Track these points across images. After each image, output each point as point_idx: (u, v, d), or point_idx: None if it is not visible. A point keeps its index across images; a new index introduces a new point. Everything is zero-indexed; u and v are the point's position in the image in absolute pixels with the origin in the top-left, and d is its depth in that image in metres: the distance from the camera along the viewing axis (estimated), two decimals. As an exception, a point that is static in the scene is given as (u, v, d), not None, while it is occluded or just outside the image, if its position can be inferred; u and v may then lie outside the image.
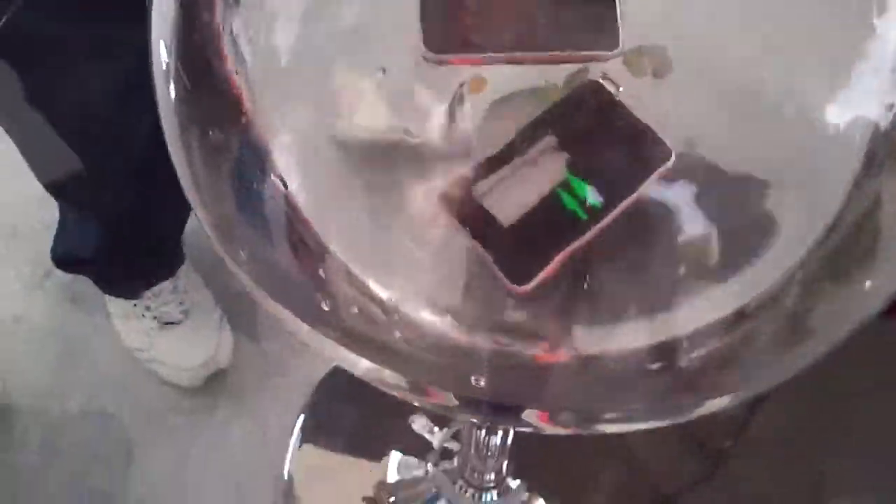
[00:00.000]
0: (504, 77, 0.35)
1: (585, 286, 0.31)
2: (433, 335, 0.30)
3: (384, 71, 0.33)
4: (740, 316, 0.30)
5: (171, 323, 0.78)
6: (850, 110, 0.29)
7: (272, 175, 0.31)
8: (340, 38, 0.33)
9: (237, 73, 0.33)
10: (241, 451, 0.78)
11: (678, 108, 0.33)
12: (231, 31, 0.34)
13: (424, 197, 0.31)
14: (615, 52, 0.33)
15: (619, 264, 0.31)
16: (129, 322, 0.79)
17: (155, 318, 0.78)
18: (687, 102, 0.33)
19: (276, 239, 0.32)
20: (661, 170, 0.31)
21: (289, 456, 0.83)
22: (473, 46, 0.33)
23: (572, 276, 0.31)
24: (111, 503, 0.75)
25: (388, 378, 0.30)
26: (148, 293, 0.78)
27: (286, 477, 0.83)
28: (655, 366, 0.30)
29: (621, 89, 0.32)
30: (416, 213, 0.31)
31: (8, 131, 0.70)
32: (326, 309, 0.30)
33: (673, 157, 0.31)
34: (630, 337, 0.30)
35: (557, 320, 0.31)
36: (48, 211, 0.78)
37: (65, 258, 0.76)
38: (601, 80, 0.32)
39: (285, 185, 0.31)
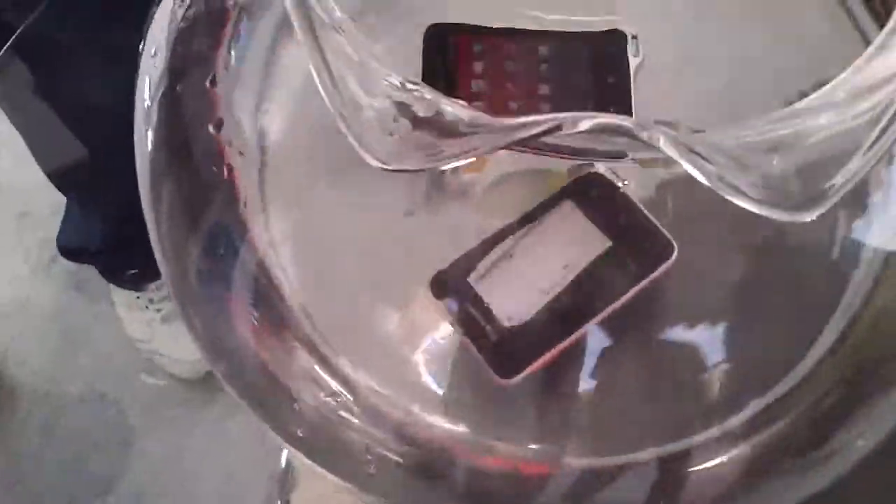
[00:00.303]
0: (506, 156, 0.34)
1: (579, 390, 0.30)
2: (408, 430, 0.29)
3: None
4: (751, 429, 0.29)
5: (173, 316, 0.79)
6: (866, 237, 0.28)
7: (249, 247, 0.31)
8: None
9: (230, 145, 0.32)
10: (237, 443, 0.80)
11: (685, 208, 0.32)
12: (228, 98, 0.34)
13: (414, 282, 0.31)
14: (623, 161, 0.32)
15: (619, 371, 0.31)
16: (131, 313, 0.80)
17: (157, 310, 0.79)
18: (694, 201, 0.32)
19: (236, 310, 0.31)
20: (663, 268, 0.30)
21: (286, 450, 0.84)
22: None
23: (564, 376, 0.31)
24: (110, 488, 0.77)
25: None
26: (151, 286, 0.78)
27: (283, 466, 0.84)
28: (656, 486, 0.29)
29: (626, 182, 0.32)
30: (404, 300, 0.31)
31: (13, 120, 0.70)
32: (291, 401, 0.30)
33: (675, 255, 0.30)
34: (629, 450, 0.29)
35: (546, 423, 0.30)
36: (57, 196, 0.79)
37: (69, 249, 0.77)
38: (604, 172, 0.32)
39: (261, 258, 0.30)
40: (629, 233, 0.31)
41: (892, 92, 0.18)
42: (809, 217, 0.19)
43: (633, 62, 0.31)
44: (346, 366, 0.29)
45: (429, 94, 0.20)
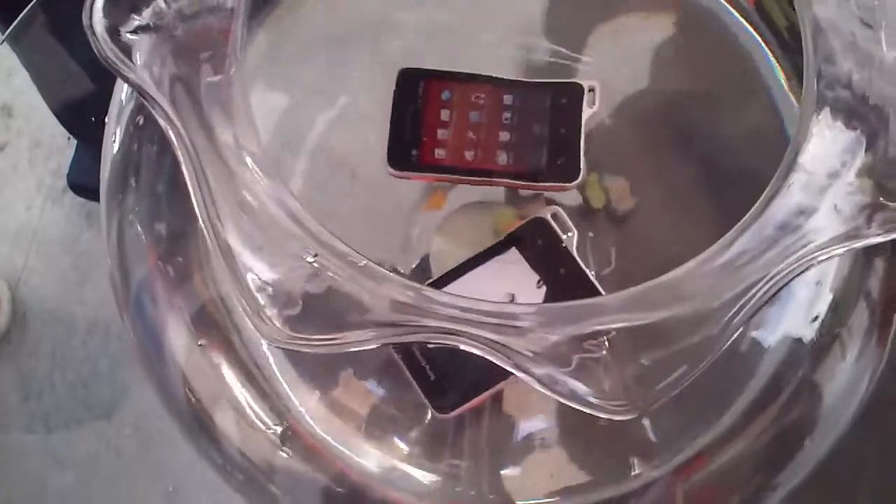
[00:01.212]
0: (462, 188, 0.35)
1: (518, 429, 0.32)
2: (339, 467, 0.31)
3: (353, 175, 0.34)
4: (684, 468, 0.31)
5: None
6: (776, 323, 0.29)
7: (199, 280, 0.32)
8: (312, 159, 0.33)
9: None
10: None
11: (625, 263, 0.33)
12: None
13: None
14: (574, 183, 0.33)
15: (550, 412, 0.32)
16: (136, 251, 0.83)
17: (162, 250, 0.81)
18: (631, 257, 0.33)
19: (173, 331, 0.32)
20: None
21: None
22: (433, 167, 0.33)
23: (501, 414, 0.32)
24: (111, 414, 0.81)
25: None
26: (156, 226, 0.81)
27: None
28: None
29: (570, 234, 0.32)
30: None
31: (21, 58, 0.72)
32: (219, 434, 0.31)
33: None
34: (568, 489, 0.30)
35: (485, 458, 0.32)
36: (70, 127, 0.80)
37: (77, 185, 0.79)
38: (550, 220, 0.33)
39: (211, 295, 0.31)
40: (566, 285, 0.32)
41: (748, 283, 0.19)
42: (632, 416, 0.19)
43: (587, 113, 0.31)
44: (281, 399, 0.31)
45: (329, 262, 0.20)
